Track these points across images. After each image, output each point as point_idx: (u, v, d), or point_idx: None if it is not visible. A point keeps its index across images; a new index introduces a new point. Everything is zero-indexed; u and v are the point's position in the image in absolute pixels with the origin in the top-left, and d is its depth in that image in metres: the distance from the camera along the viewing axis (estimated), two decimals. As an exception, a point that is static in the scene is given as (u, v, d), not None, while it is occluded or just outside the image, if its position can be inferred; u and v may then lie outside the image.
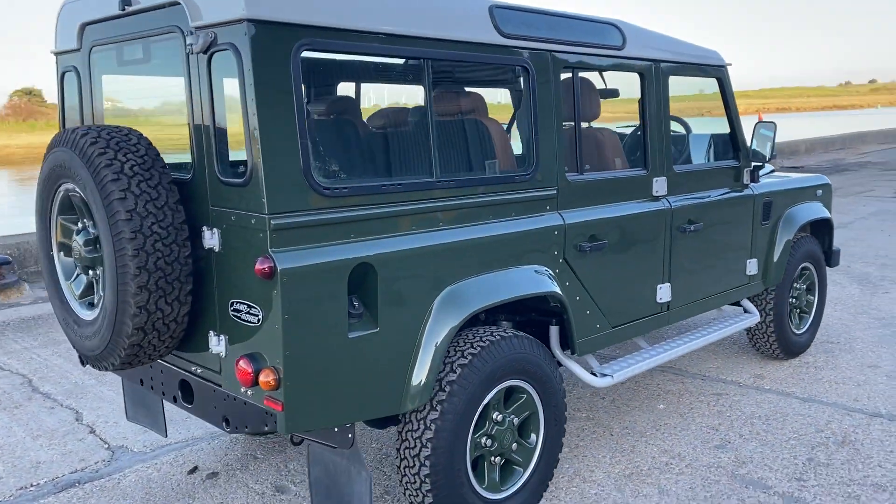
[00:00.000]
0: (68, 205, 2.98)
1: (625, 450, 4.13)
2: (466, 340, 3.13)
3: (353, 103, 3.40)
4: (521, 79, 3.40)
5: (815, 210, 5.35)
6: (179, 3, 2.68)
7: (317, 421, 2.68)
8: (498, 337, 3.19)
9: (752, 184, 4.82)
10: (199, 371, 2.98)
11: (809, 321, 5.55)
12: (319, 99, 3.52)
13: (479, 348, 3.11)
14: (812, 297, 5.57)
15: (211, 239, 2.75)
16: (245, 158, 2.57)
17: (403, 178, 2.94)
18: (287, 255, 2.55)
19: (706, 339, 4.49)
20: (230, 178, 2.66)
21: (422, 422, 3.00)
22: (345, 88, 3.82)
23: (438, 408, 2.98)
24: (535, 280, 3.36)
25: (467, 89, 3.65)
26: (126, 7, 2.95)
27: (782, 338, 5.26)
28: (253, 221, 2.57)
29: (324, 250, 2.64)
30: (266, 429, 2.72)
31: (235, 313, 2.72)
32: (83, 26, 3.28)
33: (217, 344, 2.82)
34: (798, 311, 5.48)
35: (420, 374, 2.91)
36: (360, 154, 3.07)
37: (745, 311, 5.04)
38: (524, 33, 3.33)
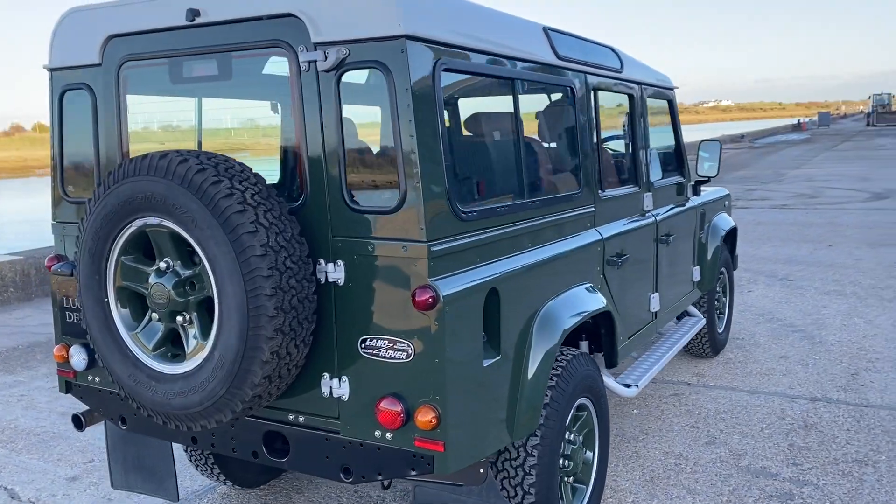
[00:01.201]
0: (137, 244, 2.58)
1: (629, 456, 4.29)
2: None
3: (479, 124, 3.25)
4: (568, 99, 3.46)
5: (728, 220, 5.92)
6: (295, 17, 2.44)
7: (468, 458, 2.54)
8: (570, 356, 3.21)
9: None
10: (300, 419, 2.69)
11: (725, 321, 6.11)
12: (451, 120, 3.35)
13: (559, 369, 3.11)
14: (725, 299, 6.13)
15: (333, 272, 2.51)
16: (389, 183, 2.39)
17: (515, 199, 2.88)
18: (443, 284, 2.40)
19: (680, 344, 4.80)
20: (368, 205, 2.45)
21: (522, 449, 2.93)
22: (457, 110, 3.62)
23: (538, 433, 2.94)
24: (594, 296, 3.43)
25: (533, 110, 3.65)
26: (195, 18, 2.62)
27: (712, 338, 5.74)
28: (404, 250, 2.39)
29: (463, 276, 2.53)
30: (413, 473, 2.52)
31: (370, 351, 2.50)
32: (109, 38, 2.86)
33: (337, 387, 2.57)
34: (717, 311, 6.00)
35: (531, 401, 2.85)
36: (485, 176, 2.96)
37: (690, 315, 5.44)
38: (570, 55, 3.40)
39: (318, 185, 2.52)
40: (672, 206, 4.78)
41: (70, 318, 3.22)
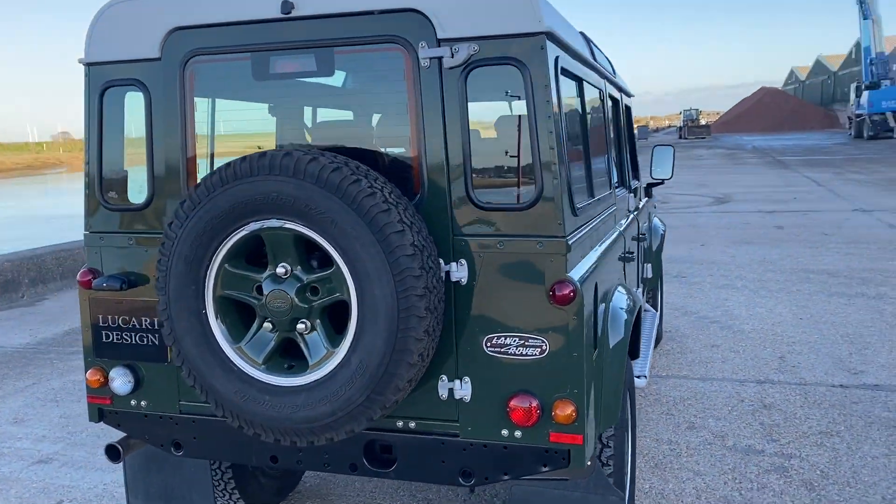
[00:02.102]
0: (242, 250, 2.41)
1: (625, 446, 4.48)
2: None
3: (575, 123, 3.25)
4: (605, 103, 3.61)
5: (658, 220, 6.33)
6: (417, 12, 2.39)
7: (593, 449, 2.58)
8: None
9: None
10: (411, 425, 2.61)
11: (660, 314, 6.51)
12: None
13: None
14: (660, 294, 6.53)
15: (457, 271, 2.47)
16: (522, 180, 2.40)
17: (599, 193, 2.97)
18: (577, 278, 2.44)
19: (653, 336, 5.07)
20: (496, 202, 2.43)
21: (599, 441, 3.00)
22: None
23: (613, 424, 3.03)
24: (632, 290, 3.57)
25: None
26: (290, 11, 2.49)
27: (658, 331, 6.11)
28: (540, 246, 2.40)
29: (582, 269, 2.58)
30: (544, 470, 2.51)
31: (496, 350, 2.48)
32: (172, 31, 2.65)
33: (459, 388, 2.52)
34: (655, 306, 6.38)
35: (616, 391, 2.93)
36: (585, 169, 2.98)
37: (645, 310, 5.75)
38: (600, 60, 3.55)
39: (437, 182, 2.47)
40: (637, 205, 5.06)
41: (108, 337, 2.92)
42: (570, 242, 2.41)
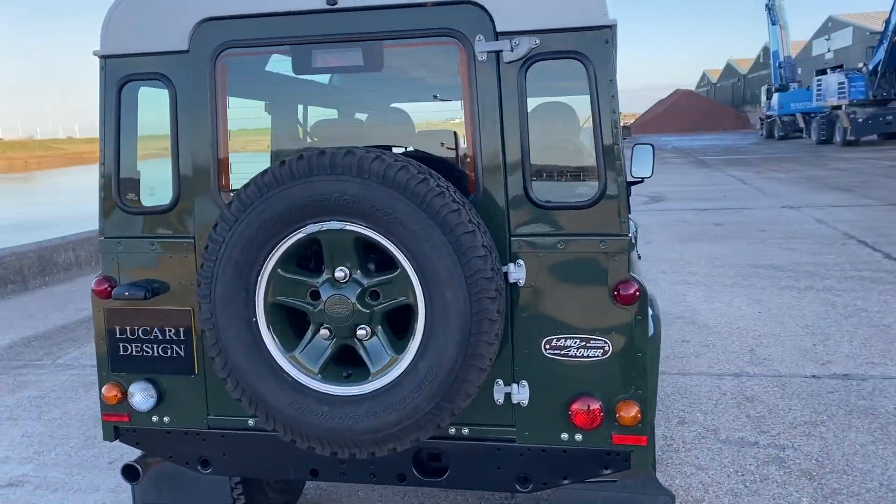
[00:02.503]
0: (294, 254, 2.28)
1: (622, 443, 4.50)
2: None
3: None
4: None
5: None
6: (475, 4, 2.31)
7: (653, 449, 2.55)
8: None
9: None
10: (464, 432, 2.52)
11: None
12: None
13: None
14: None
15: (514, 272, 2.40)
16: (584, 177, 2.35)
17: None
18: (638, 277, 2.41)
19: None
20: (557, 201, 2.38)
21: None
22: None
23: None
24: None
25: None
26: (336, 2, 2.38)
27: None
28: (603, 245, 2.36)
29: (635, 268, 2.55)
30: (605, 472, 2.47)
31: (556, 352, 2.42)
32: (202, 22, 2.49)
33: (516, 392, 2.46)
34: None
35: (655, 388, 2.91)
36: None
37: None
38: None
39: (493, 181, 2.39)
40: None
41: (127, 350, 2.73)
42: (632, 241, 2.38)
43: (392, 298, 2.28)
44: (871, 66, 33.82)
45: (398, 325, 2.33)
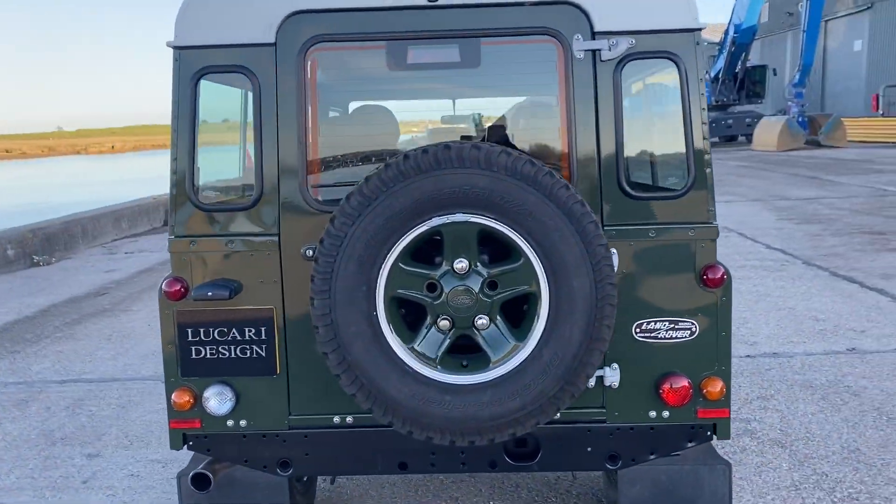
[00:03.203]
0: (414, 247, 2.30)
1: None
2: None
3: None
4: None
5: None
6: (573, 5, 2.41)
7: None
8: None
9: None
10: (556, 416, 2.62)
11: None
12: None
13: None
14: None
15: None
16: (674, 169, 2.51)
17: None
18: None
19: None
20: (648, 192, 2.52)
21: None
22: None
23: None
24: None
25: None
26: None
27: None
28: (691, 233, 2.53)
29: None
30: (690, 445, 2.64)
31: (646, 335, 2.57)
32: (293, 14, 2.45)
33: (609, 375, 2.58)
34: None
35: None
36: None
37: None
38: None
39: (588, 173, 2.50)
40: None
41: (200, 353, 2.62)
42: (718, 228, 2.56)
43: (513, 287, 2.34)
44: (712, 74, 36.56)
45: (509, 313, 2.39)
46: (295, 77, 2.49)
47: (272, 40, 2.47)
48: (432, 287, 2.35)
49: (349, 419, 2.67)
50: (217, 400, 2.62)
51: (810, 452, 4.29)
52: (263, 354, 2.62)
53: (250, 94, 2.52)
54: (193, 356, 2.63)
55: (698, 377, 2.60)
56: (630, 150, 2.65)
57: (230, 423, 2.66)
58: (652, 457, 2.68)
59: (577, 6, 2.44)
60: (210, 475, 2.73)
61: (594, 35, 2.45)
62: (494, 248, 2.36)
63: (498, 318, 2.36)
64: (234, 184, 2.69)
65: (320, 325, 2.32)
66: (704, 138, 2.52)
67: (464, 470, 2.70)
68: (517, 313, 2.38)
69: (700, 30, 2.47)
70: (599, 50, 2.44)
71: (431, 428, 2.37)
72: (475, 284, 2.31)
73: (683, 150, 2.52)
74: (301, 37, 2.47)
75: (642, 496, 2.86)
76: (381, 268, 2.29)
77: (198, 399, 2.64)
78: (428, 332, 2.37)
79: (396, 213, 2.24)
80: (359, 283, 2.29)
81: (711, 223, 2.56)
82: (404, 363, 2.34)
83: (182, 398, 2.63)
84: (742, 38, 34.06)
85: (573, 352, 2.30)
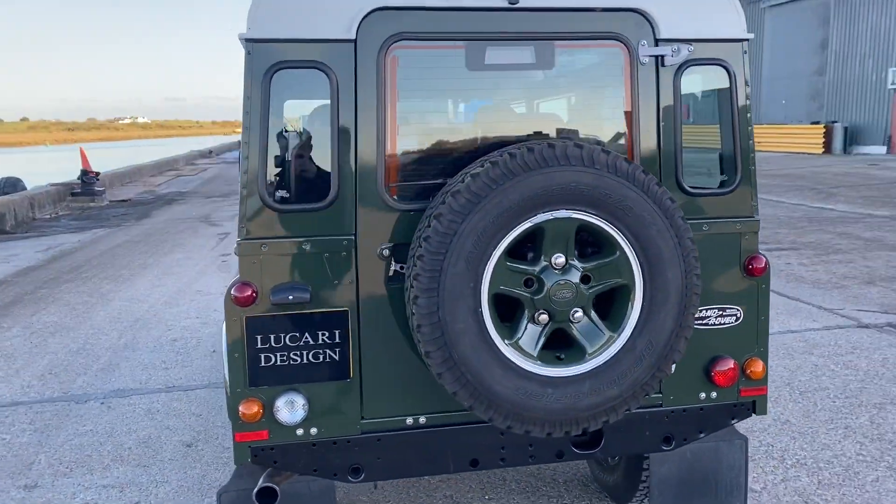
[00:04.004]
0: (518, 243, 2.34)
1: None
2: None
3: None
4: None
5: None
6: (640, 13, 2.55)
7: None
8: None
9: None
10: None
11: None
12: None
13: None
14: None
15: None
16: (724, 167, 2.72)
17: None
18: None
19: None
20: (702, 188, 2.70)
21: None
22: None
23: None
24: None
25: None
26: (517, 0, 2.47)
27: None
28: (738, 226, 2.74)
29: None
30: (732, 422, 2.85)
31: (699, 322, 2.75)
32: (374, 11, 2.41)
33: None
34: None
35: None
36: None
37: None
38: None
39: (650, 171, 2.64)
40: None
41: (270, 360, 2.49)
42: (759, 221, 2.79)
43: (608, 280, 2.43)
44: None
45: (598, 305, 2.49)
46: (375, 74, 2.44)
47: (352, 36, 2.41)
48: (528, 282, 2.40)
49: (422, 419, 2.65)
50: (289, 409, 2.51)
51: (751, 426, 4.71)
52: (337, 358, 2.54)
53: (316, 89, 2.45)
54: (262, 364, 2.50)
55: (742, 359, 2.83)
56: (690, 150, 2.82)
57: (300, 431, 2.56)
58: (701, 435, 2.88)
59: (643, 14, 2.58)
60: (277, 488, 2.61)
61: (657, 42, 2.60)
62: (587, 243, 2.45)
63: (591, 310, 2.45)
64: (307, 183, 2.60)
65: (425, 323, 2.30)
66: (750, 140, 2.75)
67: (531, 462, 2.76)
68: (607, 305, 2.48)
69: (748, 39, 2.70)
70: (663, 56, 2.60)
71: (531, 421, 2.41)
72: (573, 279, 2.39)
73: (732, 150, 2.73)
74: (382, 34, 2.43)
75: (670, 473, 3.07)
76: (486, 265, 2.31)
77: (267, 409, 2.52)
78: (526, 326, 2.41)
79: (505, 210, 2.27)
80: (466, 280, 2.29)
81: (755, 217, 2.79)
82: (508, 358, 2.37)
83: (251, 409, 2.49)
84: None
85: (665, 340, 2.44)
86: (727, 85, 2.71)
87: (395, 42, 2.45)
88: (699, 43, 2.66)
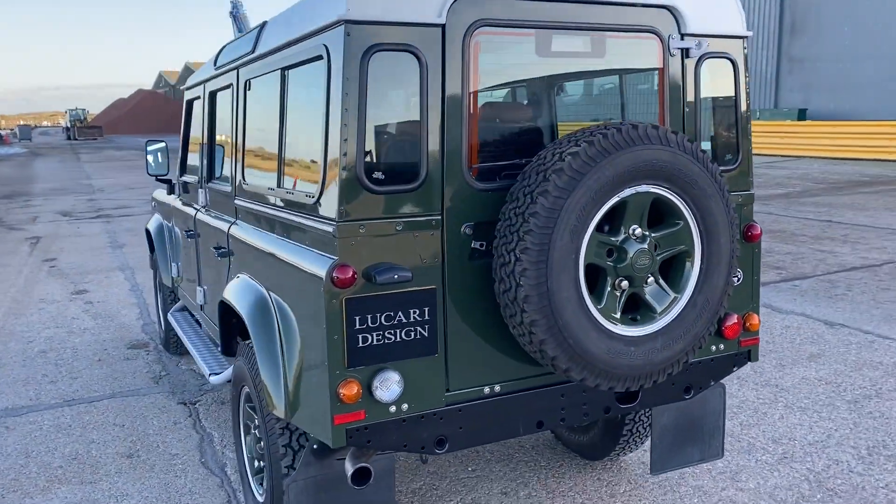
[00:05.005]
0: (609, 215, 2.56)
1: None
2: None
3: None
4: None
5: None
6: (670, 9, 2.85)
7: None
8: None
9: None
10: None
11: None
12: None
13: None
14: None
15: None
16: (730, 149, 3.11)
17: None
18: None
19: None
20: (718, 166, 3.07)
21: None
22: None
23: None
24: None
25: None
26: None
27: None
28: (740, 199, 3.15)
29: None
30: (734, 370, 3.26)
31: None
32: None
33: None
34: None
35: None
36: None
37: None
38: None
39: None
40: None
41: (367, 341, 2.50)
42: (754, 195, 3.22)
43: (672, 248, 2.71)
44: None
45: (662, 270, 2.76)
46: (461, 59, 2.52)
47: (442, 21, 2.47)
48: (609, 252, 2.62)
49: (497, 388, 2.77)
50: (387, 387, 2.53)
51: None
52: (426, 335, 2.59)
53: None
54: (360, 345, 2.49)
55: (742, 314, 3.25)
56: (704, 133, 3.17)
57: (393, 409, 2.57)
58: (711, 384, 3.27)
59: (673, 11, 2.89)
60: (371, 468, 2.61)
61: (682, 36, 2.92)
62: (653, 214, 2.71)
63: (658, 275, 2.73)
64: (398, 164, 2.60)
65: (534, 293, 2.44)
66: (748, 124, 3.17)
67: (585, 420, 2.98)
68: (668, 269, 2.77)
69: (747, 37, 3.11)
70: (689, 48, 2.93)
71: (616, 378, 2.64)
72: (651, 247, 2.65)
73: (735, 133, 3.14)
74: (467, 19, 2.51)
75: (668, 422, 3.45)
76: (583, 237, 2.50)
77: (365, 389, 2.51)
78: (609, 293, 2.64)
79: (601, 185, 2.47)
80: (570, 252, 2.46)
81: (751, 190, 3.22)
82: (600, 322, 2.57)
83: (351, 390, 2.48)
84: None
85: (717, 297, 2.77)
86: (731, 77, 3.11)
87: (479, 28, 2.56)
88: (713, 38, 3.04)
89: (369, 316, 2.51)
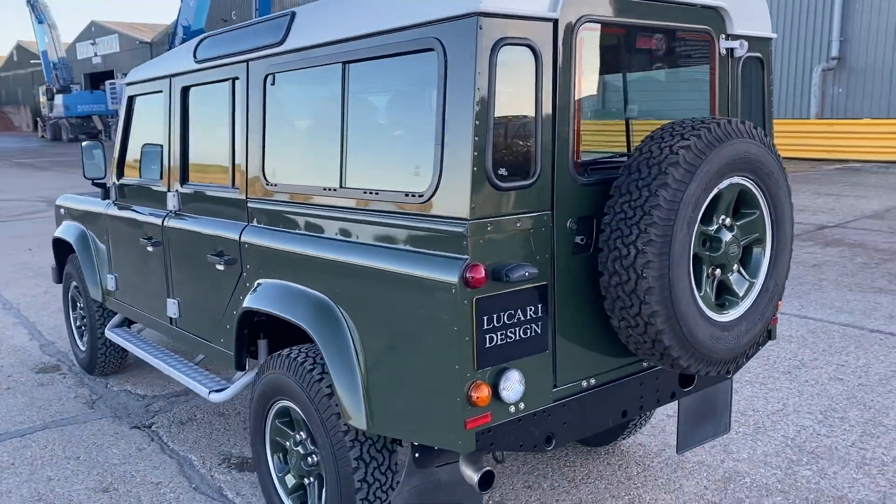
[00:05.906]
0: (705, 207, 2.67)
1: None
2: None
3: None
4: None
5: None
6: (720, 10, 3.02)
7: None
8: None
9: None
10: None
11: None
12: None
13: None
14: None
15: None
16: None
17: None
18: None
19: None
20: None
21: None
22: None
23: None
24: None
25: None
26: None
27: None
28: None
29: None
30: (759, 349, 3.49)
31: None
32: None
33: None
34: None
35: None
36: None
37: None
38: None
39: None
40: None
41: (492, 341, 2.43)
42: None
43: (749, 235, 2.85)
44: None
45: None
46: (570, 54, 2.51)
47: (556, 15, 2.45)
48: (704, 242, 2.73)
49: (592, 381, 2.79)
50: (512, 386, 2.47)
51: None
52: (539, 331, 2.55)
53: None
54: (487, 345, 2.40)
55: None
56: None
57: (512, 409, 2.52)
58: (745, 362, 3.48)
59: (720, 12, 3.04)
60: (493, 471, 2.54)
61: (728, 37, 3.09)
62: (735, 203, 2.84)
63: (739, 260, 2.87)
64: (516, 161, 2.52)
65: (657, 285, 2.48)
66: (771, 119, 3.41)
67: (657, 405, 3.07)
68: (742, 257, 2.92)
69: (772, 39, 3.33)
70: (734, 48, 3.10)
71: (714, 362, 2.74)
72: (738, 236, 2.78)
73: (763, 125, 3.36)
74: (577, 14, 2.49)
75: (691, 403, 3.63)
76: (694, 228, 2.59)
77: (493, 390, 2.44)
78: (707, 281, 2.74)
79: (710, 178, 2.57)
80: (686, 243, 2.54)
81: None
82: (704, 310, 2.67)
83: (483, 392, 2.39)
84: (192, 39, 34.62)
85: (782, 281, 2.96)
86: (762, 76, 3.34)
87: (584, 24, 2.57)
88: (750, 39, 3.24)
89: (495, 315, 2.46)
